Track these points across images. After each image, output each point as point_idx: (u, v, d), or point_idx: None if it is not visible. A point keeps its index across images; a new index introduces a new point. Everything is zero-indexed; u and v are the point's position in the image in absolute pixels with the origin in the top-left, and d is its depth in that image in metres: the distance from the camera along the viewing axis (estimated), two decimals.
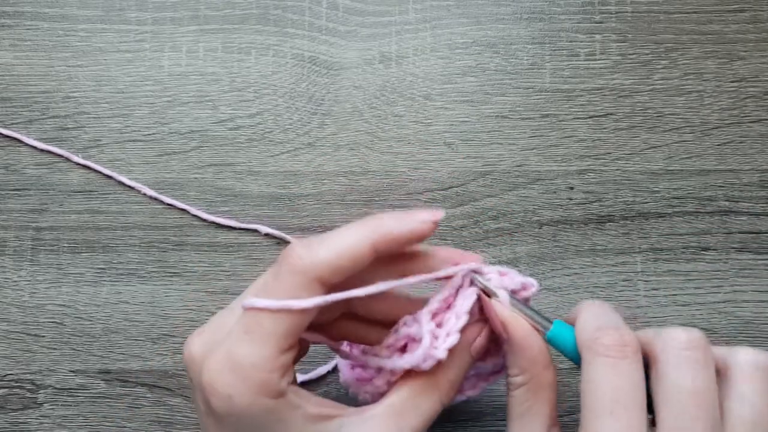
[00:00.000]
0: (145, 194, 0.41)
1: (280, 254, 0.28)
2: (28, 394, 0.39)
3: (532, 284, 0.31)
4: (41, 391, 0.39)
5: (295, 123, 0.43)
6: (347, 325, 0.33)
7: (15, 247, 0.41)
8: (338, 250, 0.27)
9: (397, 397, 0.29)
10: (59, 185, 0.42)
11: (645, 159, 0.42)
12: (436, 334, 0.29)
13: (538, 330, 0.30)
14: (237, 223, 0.41)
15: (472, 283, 0.30)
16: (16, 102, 0.43)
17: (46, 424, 0.39)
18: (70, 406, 0.39)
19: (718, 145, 0.42)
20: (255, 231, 0.41)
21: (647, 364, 0.28)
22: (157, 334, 0.40)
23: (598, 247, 0.41)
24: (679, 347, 0.27)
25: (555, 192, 0.42)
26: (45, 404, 0.39)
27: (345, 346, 0.34)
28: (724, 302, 0.40)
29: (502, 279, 0.31)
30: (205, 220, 0.41)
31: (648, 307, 0.40)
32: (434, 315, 0.30)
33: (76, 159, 0.42)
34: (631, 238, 0.41)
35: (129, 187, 0.41)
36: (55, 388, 0.39)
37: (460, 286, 0.30)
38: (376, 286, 0.28)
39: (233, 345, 0.27)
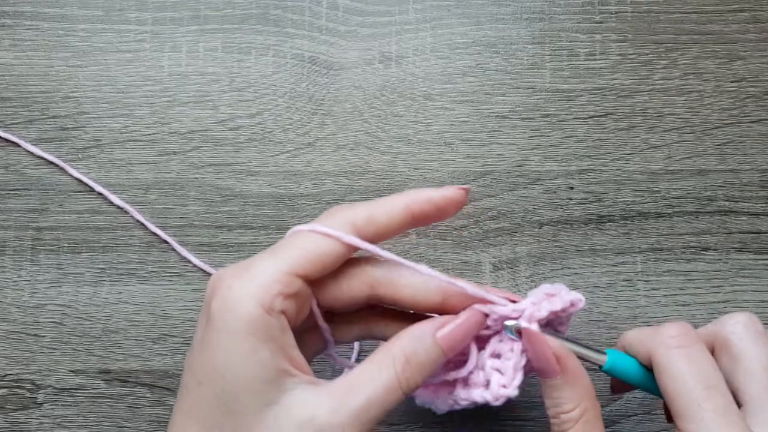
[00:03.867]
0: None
1: None
2: (28, 394, 0.39)
3: (580, 300, 0.31)
4: (41, 391, 0.39)
5: (295, 123, 0.43)
6: (369, 318, 0.32)
7: (15, 247, 0.41)
8: (375, 204, 0.30)
9: (352, 373, 0.28)
10: (59, 185, 0.42)
11: (645, 159, 0.42)
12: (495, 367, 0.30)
13: (595, 363, 0.30)
14: (208, 267, 0.40)
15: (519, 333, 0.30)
16: (16, 102, 0.43)
17: (46, 424, 0.39)
18: (70, 406, 0.39)
19: (718, 145, 0.42)
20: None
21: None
22: (157, 334, 0.40)
23: (598, 247, 0.41)
24: (747, 325, 0.30)
25: (555, 192, 0.42)
26: (45, 404, 0.39)
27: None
28: (724, 302, 0.40)
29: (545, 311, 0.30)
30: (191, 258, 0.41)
31: (648, 307, 0.40)
32: (482, 340, 0.30)
33: (71, 171, 0.41)
34: (631, 238, 0.41)
35: (119, 208, 0.41)
36: (55, 388, 0.39)
37: (499, 332, 0.31)
38: (411, 263, 0.30)
39: (254, 257, 0.28)
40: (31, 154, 0.42)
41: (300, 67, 0.43)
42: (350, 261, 0.30)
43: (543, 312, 0.30)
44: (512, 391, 0.29)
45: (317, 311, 0.30)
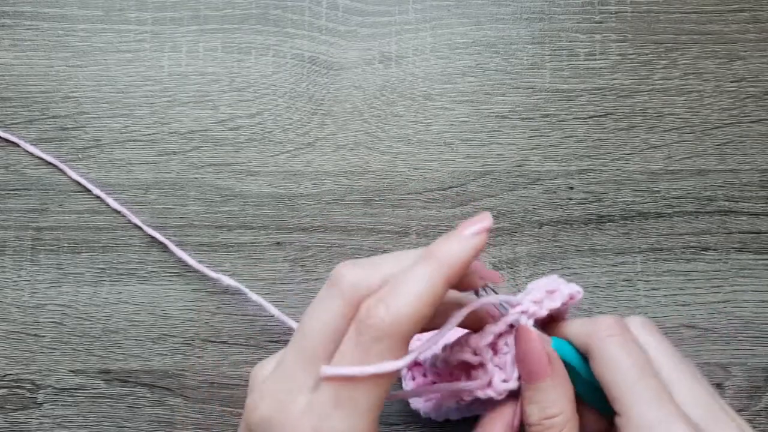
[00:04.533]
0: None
1: (331, 278, 0.27)
2: (28, 394, 0.39)
3: (579, 291, 0.31)
4: (41, 391, 0.39)
5: (295, 123, 0.43)
6: None
7: (15, 247, 0.41)
8: (418, 299, 0.25)
9: None
10: (59, 185, 0.42)
11: (645, 159, 0.42)
12: (496, 364, 0.30)
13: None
14: (204, 268, 0.40)
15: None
16: (15, 102, 0.43)
17: (46, 424, 0.39)
18: (70, 406, 0.39)
19: (718, 145, 0.42)
20: (217, 280, 0.40)
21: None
22: (157, 334, 0.40)
23: (598, 247, 0.41)
24: (611, 329, 0.29)
25: (555, 192, 0.42)
26: (45, 404, 0.39)
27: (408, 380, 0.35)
28: (724, 302, 0.40)
29: (537, 305, 0.30)
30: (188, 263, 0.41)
31: (648, 307, 0.40)
32: (491, 345, 0.30)
33: (70, 173, 0.41)
34: (631, 238, 0.41)
35: (116, 211, 0.41)
36: (55, 388, 0.39)
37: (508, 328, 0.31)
38: (457, 317, 0.28)
39: (323, 421, 0.25)
40: (31, 154, 0.42)
41: (300, 67, 0.43)
42: None
43: (544, 311, 0.30)
44: (513, 384, 0.29)
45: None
